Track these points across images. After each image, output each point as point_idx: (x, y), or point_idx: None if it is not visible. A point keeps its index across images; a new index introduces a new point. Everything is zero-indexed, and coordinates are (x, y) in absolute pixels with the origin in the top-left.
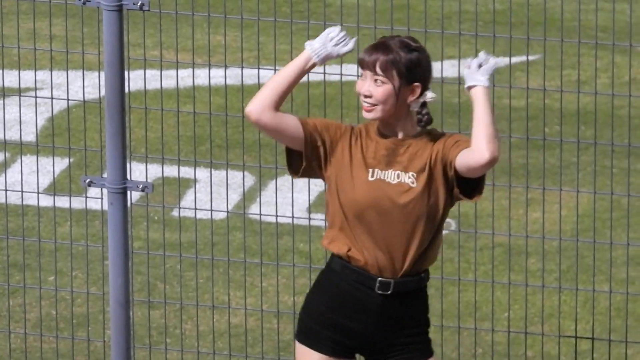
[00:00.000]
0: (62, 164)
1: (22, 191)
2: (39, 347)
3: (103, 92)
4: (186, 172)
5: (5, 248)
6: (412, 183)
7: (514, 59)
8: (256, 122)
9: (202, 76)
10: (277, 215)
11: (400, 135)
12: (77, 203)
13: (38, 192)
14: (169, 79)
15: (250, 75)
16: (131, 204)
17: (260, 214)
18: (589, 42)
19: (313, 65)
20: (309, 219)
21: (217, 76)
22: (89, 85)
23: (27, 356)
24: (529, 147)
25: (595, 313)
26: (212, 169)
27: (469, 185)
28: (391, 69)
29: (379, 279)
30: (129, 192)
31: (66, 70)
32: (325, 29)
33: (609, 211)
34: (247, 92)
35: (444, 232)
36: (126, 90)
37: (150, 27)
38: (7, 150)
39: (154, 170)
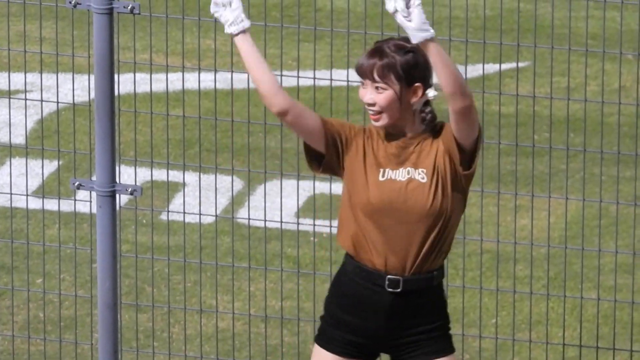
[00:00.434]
0: (51, 166)
1: (11, 193)
2: (26, 350)
3: (93, 95)
4: (175, 175)
5: None
6: (423, 179)
7: (504, 66)
8: (284, 115)
9: (191, 80)
10: (265, 220)
11: (408, 135)
12: (66, 206)
13: (27, 195)
14: (159, 82)
15: (239, 79)
16: (120, 207)
17: (249, 219)
18: (579, 50)
19: (236, 36)
20: (297, 224)
21: (207, 80)
22: (78, 88)
23: (15, 358)
24: (517, 154)
25: (582, 320)
26: (201, 173)
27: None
28: (389, 74)
29: (388, 276)
30: (117, 195)
31: (56, 72)
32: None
33: (597, 218)
34: (236, 96)
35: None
36: (116, 93)
37: (140, 30)
38: None
39: (143, 174)
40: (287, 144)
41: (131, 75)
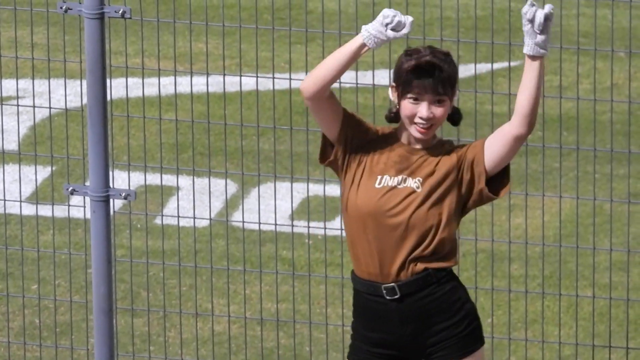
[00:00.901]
0: (44, 172)
1: (5, 200)
2: (22, 356)
3: (85, 100)
4: (168, 179)
5: None
6: (418, 188)
7: (496, 65)
8: (308, 99)
9: (184, 84)
10: (259, 223)
11: (421, 144)
12: (60, 211)
13: (20, 201)
14: (151, 86)
15: (232, 82)
16: (114, 212)
17: (243, 222)
18: (571, 48)
19: (367, 50)
20: (292, 226)
21: (199, 84)
22: (71, 93)
23: None
24: None
25: (578, 318)
26: (195, 177)
27: (493, 182)
28: (448, 87)
29: (384, 285)
30: (111, 200)
31: (48, 78)
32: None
33: (591, 217)
34: (229, 99)
35: None
36: (108, 98)
37: (132, 34)
38: None
39: (137, 178)
40: (280, 147)
41: (123, 79)
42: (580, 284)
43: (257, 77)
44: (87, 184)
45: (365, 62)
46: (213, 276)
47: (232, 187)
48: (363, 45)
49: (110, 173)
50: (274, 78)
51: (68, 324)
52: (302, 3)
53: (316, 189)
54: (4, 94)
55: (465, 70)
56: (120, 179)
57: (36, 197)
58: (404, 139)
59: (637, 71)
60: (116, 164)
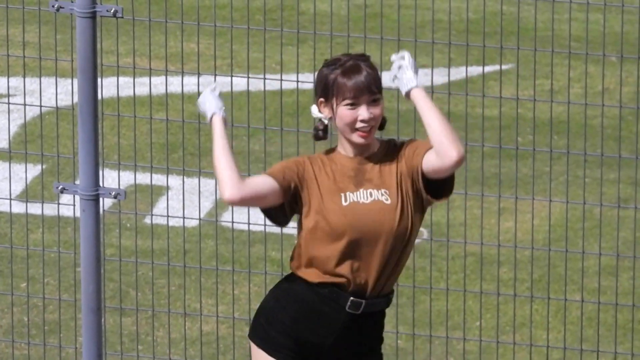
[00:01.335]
0: (34, 170)
1: None
2: (10, 354)
3: (76, 99)
4: (159, 179)
5: None
6: (386, 200)
7: (487, 68)
8: (240, 203)
9: (175, 84)
10: (249, 223)
11: (366, 153)
12: (50, 210)
13: (10, 199)
14: (142, 86)
15: (223, 83)
16: (103, 210)
17: (233, 222)
18: (562, 52)
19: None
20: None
21: (190, 84)
22: (61, 92)
23: None
24: (501, 157)
25: (566, 322)
26: (185, 177)
27: (436, 186)
28: (379, 83)
29: (351, 298)
30: (101, 199)
31: (39, 76)
32: (298, 37)
33: (581, 221)
34: None
35: (417, 240)
36: (99, 97)
37: (124, 34)
38: None
39: (127, 178)
40: (270, 148)
41: (114, 79)
42: (569, 288)
43: (248, 77)
44: (77, 182)
45: None
46: (202, 276)
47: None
48: (213, 117)
49: (101, 172)
50: (265, 79)
51: (57, 322)
52: (294, 4)
53: None
54: None
55: (456, 73)
56: (110, 178)
57: (26, 195)
58: (348, 153)
59: (628, 76)
60: (106, 163)
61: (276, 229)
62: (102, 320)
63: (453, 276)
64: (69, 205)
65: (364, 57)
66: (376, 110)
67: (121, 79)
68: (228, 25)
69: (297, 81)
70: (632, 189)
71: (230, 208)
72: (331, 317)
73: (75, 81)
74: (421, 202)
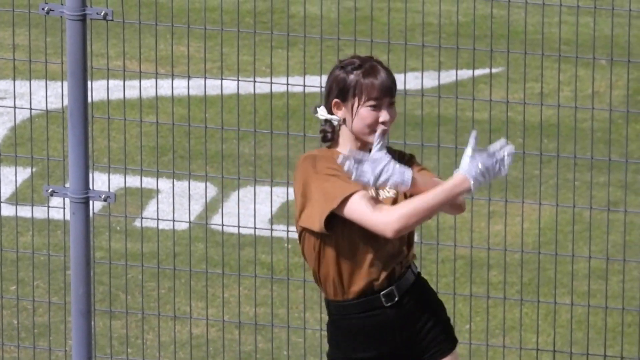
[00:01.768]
0: (24, 173)
1: None
2: (0, 357)
3: (66, 102)
4: (148, 182)
5: None
6: (394, 194)
7: (477, 72)
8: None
9: (165, 87)
10: (239, 226)
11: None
12: (39, 213)
13: (0, 202)
14: (132, 89)
15: (213, 86)
16: (93, 213)
17: (223, 225)
18: (552, 55)
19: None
20: (271, 230)
21: (180, 87)
22: (51, 94)
23: None
24: None
25: (556, 326)
26: (175, 180)
27: None
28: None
29: (381, 293)
30: (91, 202)
31: (29, 79)
32: (288, 40)
33: (570, 224)
34: (210, 102)
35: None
36: (89, 100)
37: (114, 37)
38: None
39: (117, 181)
40: (260, 151)
41: (104, 82)
42: (558, 291)
43: (238, 80)
44: (67, 185)
45: None
46: (192, 279)
47: (212, 191)
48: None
49: (90, 175)
50: (255, 82)
51: (46, 325)
52: (284, 7)
53: None
54: None
55: (446, 77)
56: (100, 181)
57: (16, 198)
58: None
59: (618, 79)
60: (96, 166)
61: (266, 232)
62: (92, 323)
63: (443, 279)
64: (59, 208)
65: (377, 60)
66: (394, 112)
67: (111, 81)
68: (218, 28)
69: (287, 84)
70: (621, 192)
71: (220, 211)
72: (381, 322)
73: (65, 84)
74: None
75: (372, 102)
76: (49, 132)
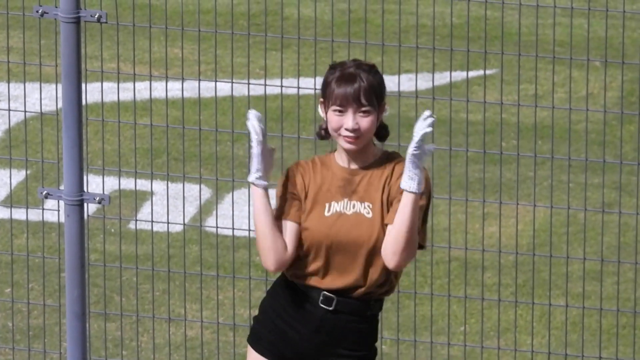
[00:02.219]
0: (19, 175)
1: None
2: None
3: (60, 104)
4: (143, 184)
5: None
6: (368, 214)
7: (471, 73)
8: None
9: (159, 89)
10: (233, 229)
11: (359, 164)
12: (34, 215)
13: None
14: (126, 91)
15: (207, 88)
16: (88, 216)
17: (217, 227)
18: (547, 57)
19: (265, 189)
20: None
21: (174, 89)
22: (46, 97)
23: None
24: (485, 161)
25: (551, 327)
26: (169, 182)
27: None
28: (372, 97)
29: (323, 292)
30: (85, 204)
31: (23, 82)
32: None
33: (565, 226)
34: (204, 105)
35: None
36: (83, 102)
37: (108, 39)
38: None
39: (111, 183)
40: None
41: (99, 84)
42: (553, 293)
43: (232, 82)
44: (62, 188)
45: None
46: (186, 281)
47: (206, 193)
48: (256, 187)
49: (85, 177)
50: (249, 84)
51: (41, 327)
52: (278, 9)
53: None
54: None
55: (440, 78)
56: (94, 184)
57: (10, 201)
58: (342, 161)
59: (612, 81)
60: (90, 169)
61: None
62: (87, 325)
63: (437, 281)
64: (54, 211)
65: (368, 67)
66: (363, 122)
67: (105, 84)
68: (212, 30)
69: (281, 86)
70: (616, 193)
71: (214, 213)
72: (307, 312)
73: (60, 86)
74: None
75: (336, 108)
76: (43, 135)
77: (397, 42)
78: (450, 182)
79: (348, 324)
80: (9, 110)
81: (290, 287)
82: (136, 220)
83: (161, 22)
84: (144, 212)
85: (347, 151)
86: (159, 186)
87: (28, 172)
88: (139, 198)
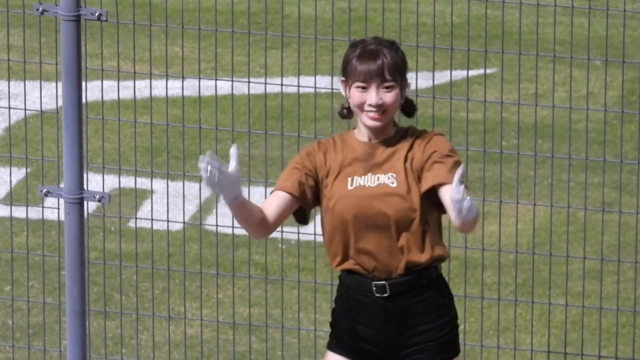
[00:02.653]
0: (19, 173)
1: None
2: None
3: (60, 103)
4: (143, 182)
5: None
6: (392, 183)
7: (472, 72)
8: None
9: (159, 87)
10: (233, 227)
11: (380, 138)
12: (34, 213)
13: None
14: (126, 89)
15: (207, 86)
16: (87, 214)
17: (217, 225)
18: (547, 56)
19: (235, 201)
20: None
21: (174, 87)
22: (46, 95)
23: None
24: (485, 160)
25: (550, 326)
26: (169, 180)
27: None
28: (396, 72)
29: (374, 282)
30: (85, 203)
31: (23, 80)
32: (282, 40)
33: (565, 225)
34: (204, 103)
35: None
36: (83, 100)
37: (108, 37)
38: None
39: (111, 181)
40: (254, 151)
41: (99, 82)
42: (553, 292)
43: (232, 81)
44: (62, 186)
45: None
46: (186, 280)
47: (206, 191)
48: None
49: (85, 175)
50: (249, 82)
51: (41, 325)
52: (278, 8)
53: None
54: None
55: (440, 77)
56: (94, 182)
57: (10, 199)
58: (362, 137)
59: (613, 80)
60: (90, 167)
61: None
62: (86, 323)
63: None
64: (54, 209)
65: (389, 43)
66: (387, 97)
67: (105, 82)
68: (212, 28)
69: (282, 84)
70: (616, 193)
71: (214, 212)
72: (370, 306)
73: (60, 85)
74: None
75: (359, 84)
76: (43, 133)
77: (397, 41)
78: None
79: (411, 301)
80: (9, 108)
81: (346, 285)
82: (136, 218)
83: (161, 20)
84: (144, 211)
85: (371, 128)
86: (159, 184)
87: (28, 170)
88: (139, 196)
